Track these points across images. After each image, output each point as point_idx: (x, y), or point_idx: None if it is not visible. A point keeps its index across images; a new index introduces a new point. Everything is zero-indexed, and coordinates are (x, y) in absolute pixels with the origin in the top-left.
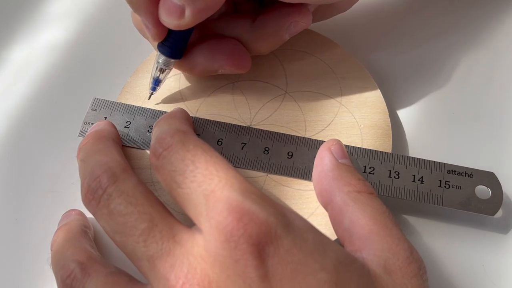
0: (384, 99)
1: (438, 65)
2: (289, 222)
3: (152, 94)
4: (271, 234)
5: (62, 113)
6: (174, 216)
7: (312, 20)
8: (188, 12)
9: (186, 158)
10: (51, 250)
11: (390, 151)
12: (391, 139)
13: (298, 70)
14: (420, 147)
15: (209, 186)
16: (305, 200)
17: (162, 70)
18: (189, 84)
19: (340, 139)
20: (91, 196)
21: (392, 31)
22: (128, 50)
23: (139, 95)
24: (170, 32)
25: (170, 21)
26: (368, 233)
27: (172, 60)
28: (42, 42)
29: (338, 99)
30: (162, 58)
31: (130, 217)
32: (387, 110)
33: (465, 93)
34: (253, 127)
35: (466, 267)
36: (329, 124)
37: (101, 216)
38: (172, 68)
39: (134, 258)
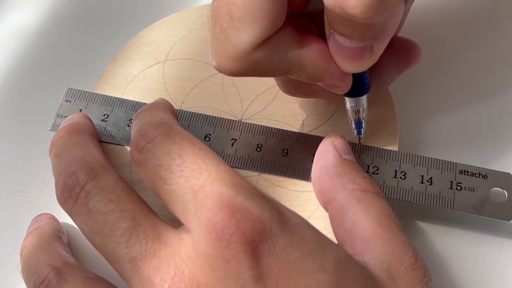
0: (390, 91)
1: (452, 51)
2: (285, 219)
3: (360, 138)
4: (266, 232)
5: (32, 105)
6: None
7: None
8: (377, 47)
9: (172, 152)
10: (21, 256)
11: (396, 148)
12: (398, 135)
13: None
14: (430, 144)
15: (198, 181)
16: (302, 202)
17: (358, 110)
18: (173, 74)
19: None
20: (67, 194)
21: None
22: (106, 35)
23: (118, 85)
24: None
25: (358, 67)
26: (371, 235)
27: (364, 96)
28: (9, 25)
29: None
30: (354, 101)
31: (111, 216)
32: (393, 103)
33: (480, 84)
34: (245, 121)
35: (480, 276)
36: (329, 118)
37: (78, 216)
38: (366, 101)
39: (114, 260)
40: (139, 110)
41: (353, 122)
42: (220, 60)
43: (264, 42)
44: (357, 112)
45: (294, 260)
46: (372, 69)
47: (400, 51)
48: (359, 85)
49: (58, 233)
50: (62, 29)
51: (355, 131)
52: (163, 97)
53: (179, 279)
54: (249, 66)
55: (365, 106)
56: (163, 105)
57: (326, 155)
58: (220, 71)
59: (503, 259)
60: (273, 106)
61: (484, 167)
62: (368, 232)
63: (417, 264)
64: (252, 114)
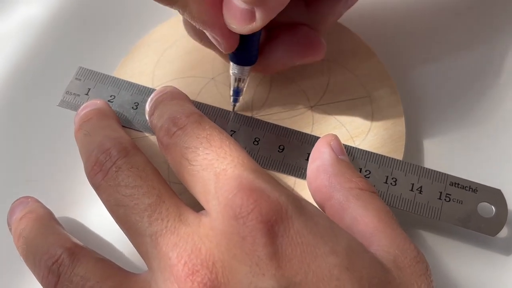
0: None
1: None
2: (301, 205)
3: (235, 106)
4: (282, 213)
5: (36, 98)
6: None
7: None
8: (259, 14)
9: (201, 136)
10: (22, 237)
11: (403, 132)
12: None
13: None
14: (425, 154)
15: (221, 165)
16: None
17: (240, 79)
18: None
19: (346, 96)
20: (98, 168)
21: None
22: (114, 31)
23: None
24: (241, 38)
25: (243, 28)
26: (373, 230)
27: (248, 67)
28: (18, 19)
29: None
30: (237, 68)
31: (138, 190)
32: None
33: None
34: (256, 116)
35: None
36: (327, 85)
37: (105, 189)
38: (249, 74)
39: (135, 233)
40: (157, 96)
41: (232, 89)
42: None
43: None
44: (238, 80)
45: (308, 242)
46: (270, 47)
47: (302, 41)
48: (244, 54)
49: (54, 216)
50: (69, 24)
51: (232, 98)
52: None
53: (195, 256)
54: None
55: (247, 78)
56: (184, 96)
57: (323, 154)
58: None
59: (490, 272)
60: (274, 92)
61: (477, 178)
62: (369, 227)
63: (420, 257)
64: (260, 106)
